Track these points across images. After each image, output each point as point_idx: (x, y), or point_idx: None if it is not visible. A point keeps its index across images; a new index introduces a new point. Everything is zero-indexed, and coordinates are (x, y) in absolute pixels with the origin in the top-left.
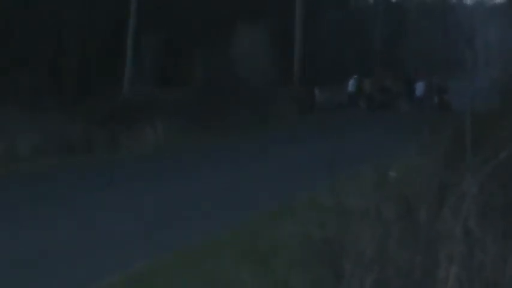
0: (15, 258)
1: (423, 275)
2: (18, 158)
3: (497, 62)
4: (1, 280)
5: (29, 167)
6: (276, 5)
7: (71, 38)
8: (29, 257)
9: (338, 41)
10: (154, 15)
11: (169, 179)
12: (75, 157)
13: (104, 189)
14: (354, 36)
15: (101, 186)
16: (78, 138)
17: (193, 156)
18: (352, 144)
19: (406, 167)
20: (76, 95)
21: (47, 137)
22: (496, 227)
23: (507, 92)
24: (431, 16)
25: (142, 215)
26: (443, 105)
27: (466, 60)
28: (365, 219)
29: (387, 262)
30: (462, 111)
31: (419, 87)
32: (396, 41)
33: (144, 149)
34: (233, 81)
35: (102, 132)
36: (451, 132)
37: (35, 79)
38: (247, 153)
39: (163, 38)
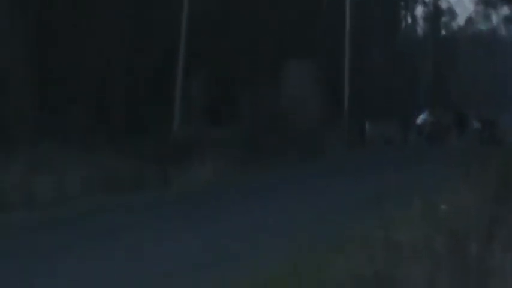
0: None
1: None
2: (68, 196)
3: None
4: None
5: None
6: (324, 42)
7: (119, 76)
8: None
9: (386, 76)
10: (202, 53)
11: (223, 215)
12: (125, 195)
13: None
14: (402, 71)
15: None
16: (128, 176)
17: (243, 192)
18: (403, 178)
19: (457, 201)
20: (124, 132)
21: (97, 175)
22: None
23: None
24: (481, 48)
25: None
26: (494, 137)
27: None
28: (415, 253)
29: None
30: (510, 145)
31: (473, 121)
32: (445, 75)
33: (194, 186)
34: (282, 118)
35: (152, 169)
36: (500, 166)
37: (84, 116)
38: (295, 189)
39: (212, 75)
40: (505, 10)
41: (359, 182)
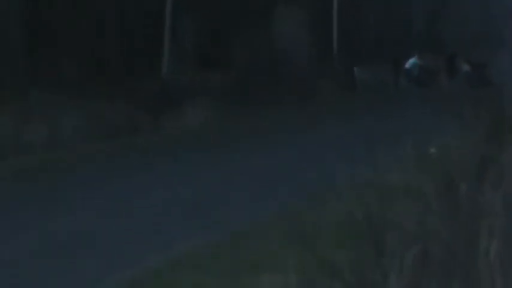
0: None
1: (464, 249)
2: (63, 143)
3: None
4: None
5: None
6: None
7: (109, 19)
8: None
9: (376, 20)
10: None
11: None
12: (121, 140)
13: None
14: (392, 14)
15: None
16: (122, 121)
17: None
18: (394, 121)
19: (447, 143)
20: (116, 78)
21: (90, 120)
22: None
23: None
24: None
25: None
26: (484, 80)
27: (506, 35)
28: (406, 195)
29: (428, 236)
30: (502, 87)
31: (460, 64)
32: (436, 19)
33: (187, 129)
34: (273, 61)
35: (145, 114)
36: (491, 108)
37: (74, 64)
38: (290, 132)
39: (201, 19)
40: None
41: (350, 126)
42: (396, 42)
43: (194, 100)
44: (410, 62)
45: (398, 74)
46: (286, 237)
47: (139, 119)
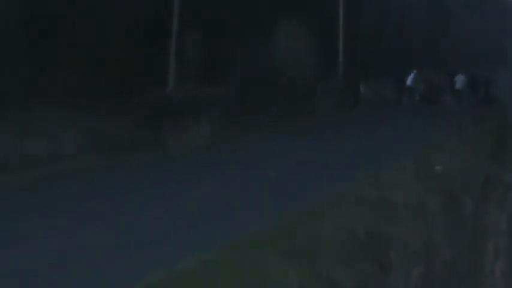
0: None
1: (469, 268)
2: (65, 158)
3: None
4: None
5: (75, 166)
6: (317, 1)
7: (113, 35)
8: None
9: (379, 37)
10: (196, 13)
11: (221, 174)
12: (119, 156)
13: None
14: (395, 31)
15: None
16: (122, 137)
17: (239, 153)
18: (399, 137)
19: (452, 160)
20: (118, 93)
21: (90, 136)
22: None
23: None
24: (472, 8)
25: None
26: (489, 99)
27: (506, 52)
28: (410, 212)
29: (433, 255)
30: (506, 104)
31: (459, 80)
32: (437, 35)
33: (188, 147)
34: (276, 77)
35: (146, 130)
36: (494, 126)
37: (76, 77)
38: (290, 150)
39: (205, 36)
40: None
41: (357, 142)
42: (398, 59)
43: (197, 115)
44: (410, 79)
45: (400, 91)
46: (285, 249)
47: (142, 134)
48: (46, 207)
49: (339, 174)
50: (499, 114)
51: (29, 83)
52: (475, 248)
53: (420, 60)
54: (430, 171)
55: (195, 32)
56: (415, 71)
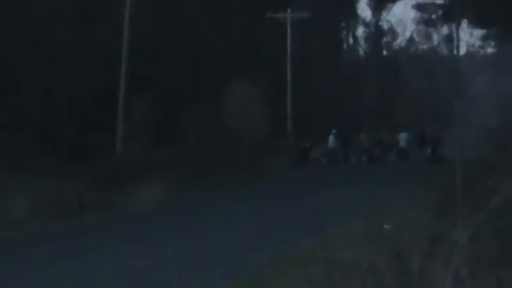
0: None
1: None
2: (11, 222)
3: (488, 112)
4: None
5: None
6: (267, 62)
7: (62, 99)
8: None
9: (329, 96)
10: (144, 75)
11: (163, 239)
12: (67, 221)
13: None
14: (345, 90)
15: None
16: (71, 201)
17: (192, 212)
18: (344, 197)
19: (399, 219)
20: (68, 157)
21: (40, 200)
22: (488, 276)
23: (498, 140)
24: (422, 68)
25: None
26: (437, 158)
27: (456, 110)
28: (357, 271)
29: None
30: (453, 162)
31: (403, 139)
32: (388, 94)
33: (139, 208)
34: (225, 137)
35: (96, 193)
36: (441, 183)
37: (27, 142)
38: (240, 210)
39: (154, 96)
40: (445, 29)
41: (303, 202)
42: (347, 118)
43: (147, 177)
44: (330, 139)
45: (348, 149)
46: None
47: (91, 197)
48: None
49: (284, 235)
50: (447, 172)
51: None
52: None
53: (370, 120)
54: (378, 230)
55: (143, 95)
56: (333, 132)
